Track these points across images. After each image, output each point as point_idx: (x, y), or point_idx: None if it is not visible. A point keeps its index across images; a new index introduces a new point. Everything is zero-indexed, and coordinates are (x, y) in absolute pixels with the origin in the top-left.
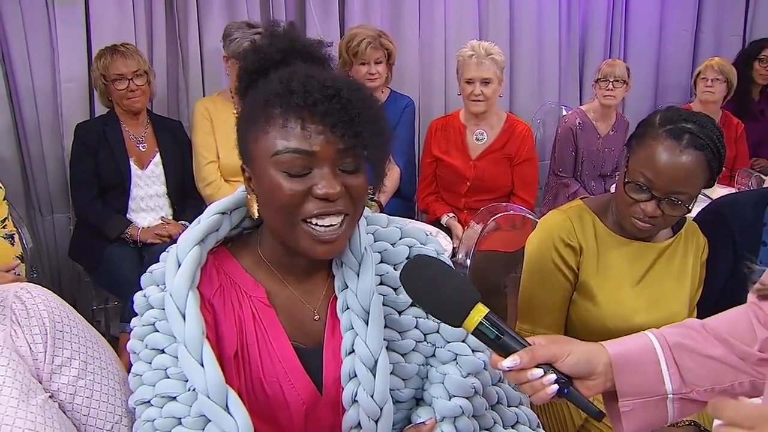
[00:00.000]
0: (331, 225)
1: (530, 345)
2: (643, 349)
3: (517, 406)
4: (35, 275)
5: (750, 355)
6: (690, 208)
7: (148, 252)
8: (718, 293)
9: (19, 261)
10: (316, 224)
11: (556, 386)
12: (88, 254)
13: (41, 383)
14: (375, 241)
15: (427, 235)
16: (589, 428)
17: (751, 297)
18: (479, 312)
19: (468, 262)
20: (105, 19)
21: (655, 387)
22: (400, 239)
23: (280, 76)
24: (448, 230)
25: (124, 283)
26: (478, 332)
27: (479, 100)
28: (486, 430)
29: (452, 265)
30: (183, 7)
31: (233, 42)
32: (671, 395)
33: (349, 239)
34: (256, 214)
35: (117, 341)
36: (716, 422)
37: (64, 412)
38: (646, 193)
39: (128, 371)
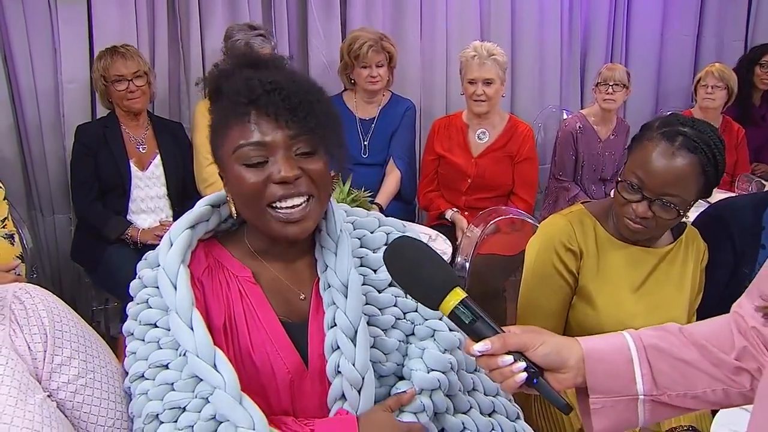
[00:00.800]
0: (294, 206)
1: (504, 332)
2: (617, 348)
3: (494, 396)
4: (35, 275)
5: (725, 363)
6: (682, 213)
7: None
8: (717, 296)
9: (20, 261)
10: (279, 207)
11: (524, 374)
12: (89, 255)
13: (40, 383)
14: (355, 229)
15: (404, 225)
16: None
17: (734, 307)
18: (456, 296)
19: (467, 265)
20: (107, 21)
21: (626, 387)
22: (378, 227)
23: (229, 85)
24: (449, 230)
25: (124, 284)
26: (453, 315)
27: (481, 101)
28: (463, 413)
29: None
30: (185, 9)
31: (235, 43)
32: (642, 396)
33: (326, 224)
34: (235, 213)
35: (117, 342)
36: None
37: (63, 412)
38: (638, 194)
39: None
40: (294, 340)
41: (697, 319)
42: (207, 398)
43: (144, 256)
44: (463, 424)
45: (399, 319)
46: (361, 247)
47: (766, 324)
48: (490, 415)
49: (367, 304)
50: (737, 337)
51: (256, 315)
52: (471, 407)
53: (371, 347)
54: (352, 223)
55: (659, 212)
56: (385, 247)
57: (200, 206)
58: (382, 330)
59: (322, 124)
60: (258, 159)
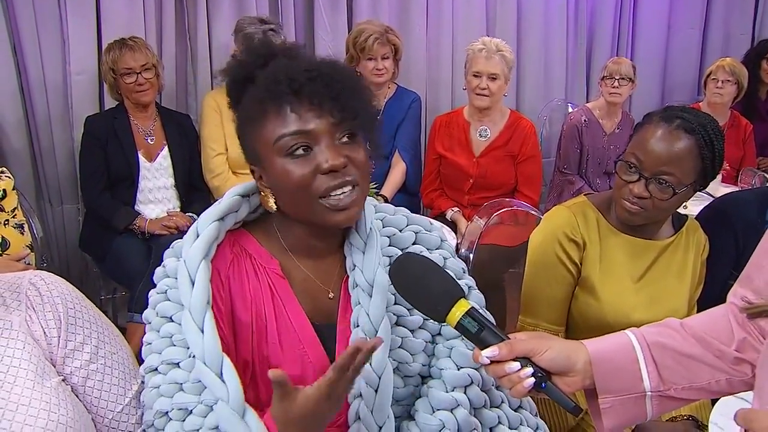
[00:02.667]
0: (342, 193)
1: (511, 339)
2: (623, 348)
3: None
4: (45, 264)
5: (726, 354)
6: (678, 193)
7: (155, 243)
8: (719, 290)
9: (29, 250)
10: (329, 196)
11: (532, 379)
12: (97, 245)
13: (54, 367)
14: (384, 227)
15: (431, 222)
16: (588, 421)
17: (730, 296)
18: (462, 307)
19: (471, 256)
20: (115, 12)
21: (633, 385)
22: (407, 225)
23: (266, 75)
24: (452, 225)
25: (132, 273)
26: (459, 326)
27: (484, 95)
28: (495, 407)
29: (455, 256)
30: (192, 1)
31: (249, 36)
32: (650, 393)
33: (357, 221)
34: (274, 207)
35: (124, 332)
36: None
37: (76, 396)
38: (636, 174)
39: (138, 355)
40: (322, 340)
41: (698, 311)
42: (211, 407)
43: (171, 245)
44: (498, 418)
45: (427, 319)
46: (390, 245)
47: (752, 320)
48: (516, 410)
49: (396, 303)
50: (736, 328)
51: (285, 311)
52: (503, 401)
53: (399, 348)
54: (382, 220)
55: (655, 192)
56: (394, 261)
57: (230, 197)
58: (410, 330)
59: (363, 111)
60: (302, 149)
